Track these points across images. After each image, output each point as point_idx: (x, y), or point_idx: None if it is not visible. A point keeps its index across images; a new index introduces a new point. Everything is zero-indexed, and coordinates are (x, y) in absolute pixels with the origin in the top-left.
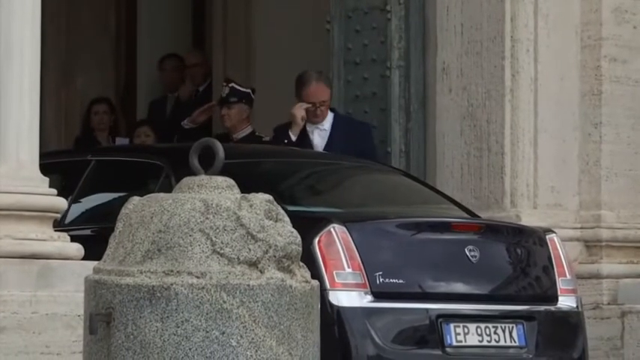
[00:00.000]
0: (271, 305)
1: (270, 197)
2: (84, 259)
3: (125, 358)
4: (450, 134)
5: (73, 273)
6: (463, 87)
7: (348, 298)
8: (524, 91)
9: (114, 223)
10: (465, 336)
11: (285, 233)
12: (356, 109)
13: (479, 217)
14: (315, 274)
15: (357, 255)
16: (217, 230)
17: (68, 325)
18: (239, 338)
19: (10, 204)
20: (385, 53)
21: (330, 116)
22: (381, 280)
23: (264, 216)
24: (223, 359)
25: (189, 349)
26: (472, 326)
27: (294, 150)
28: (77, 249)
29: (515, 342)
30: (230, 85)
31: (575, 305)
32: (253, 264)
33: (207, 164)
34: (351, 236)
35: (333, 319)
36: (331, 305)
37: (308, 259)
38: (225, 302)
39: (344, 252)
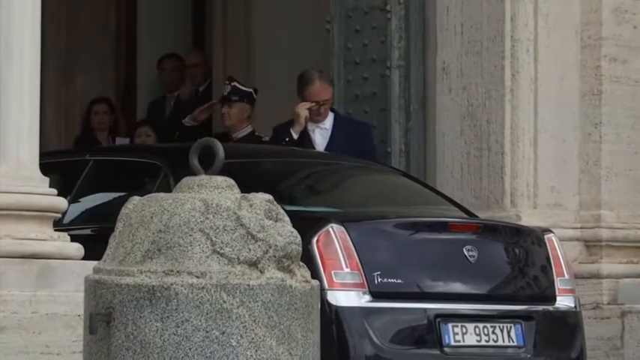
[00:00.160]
0: (271, 305)
1: (270, 197)
2: (83, 259)
3: (125, 358)
4: (450, 134)
5: (73, 273)
6: (463, 87)
7: (347, 297)
8: (524, 91)
9: (112, 222)
10: (463, 336)
11: (285, 233)
12: (356, 109)
13: (477, 217)
14: (313, 273)
15: (355, 255)
16: (217, 230)
17: (68, 325)
18: (239, 338)
19: (10, 204)
20: (385, 53)
21: (330, 116)
22: (379, 279)
23: (264, 216)
24: (223, 359)
25: (189, 349)
26: (470, 326)
27: (294, 150)
28: (77, 249)
29: (513, 342)
30: (232, 83)
31: (573, 305)
32: (253, 264)
33: (207, 164)
34: (350, 236)
35: (331, 319)
36: (329, 305)
37: (306, 258)
38: (225, 302)
39: (342, 252)
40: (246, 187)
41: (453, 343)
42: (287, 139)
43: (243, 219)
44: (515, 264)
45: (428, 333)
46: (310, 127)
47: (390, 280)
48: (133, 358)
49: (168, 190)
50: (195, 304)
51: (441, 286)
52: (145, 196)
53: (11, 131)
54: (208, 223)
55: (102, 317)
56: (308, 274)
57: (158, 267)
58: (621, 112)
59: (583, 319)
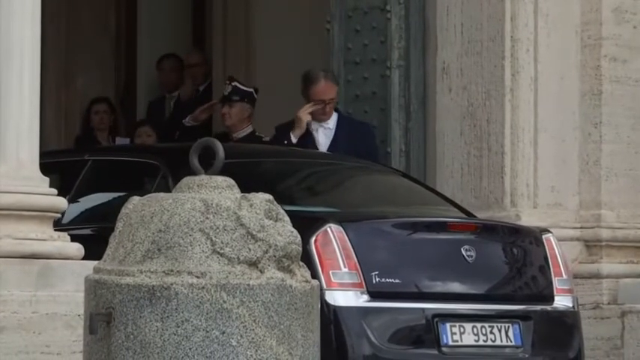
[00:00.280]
0: (271, 305)
1: (270, 197)
2: (83, 259)
3: (125, 357)
4: (450, 134)
5: (73, 273)
6: (463, 87)
7: (345, 297)
8: (524, 90)
9: (111, 222)
10: (461, 335)
11: (285, 233)
12: (356, 109)
13: (476, 217)
14: (312, 273)
15: (354, 255)
16: (217, 230)
17: (68, 325)
18: (239, 338)
19: (10, 204)
20: (385, 53)
21: (334, 116)
22: (377, 279)
23: (264, 216)
24: (223, 359)
25: (189, 348)
26: (468, 326)
27: (294, 150)
28: (77, 249)
29: (511, 342)
30: (233, 83)
31: (571, 305)
32: (253, 264)
33: (207, 164)
34: (348, 236)
35: (329, 319)
36: (327, 305)
37: (304, 258)
38: (225, 302)
39: (340, 252)
40: (246, 187)
41: (450, 342)
42: (285, 142)
43: (243, 219)
44: (514, 264)
45: (426, 333)
46: (314, 126)
47: (388, 280)
48: (133, 358)
49: (167, 190)
50: (195, 304)
51: (439, 286)
52: (145, 196)
53: (11, 131)
54: (208, 223)
55: (102, 317)
56: (308, 274)
57: (158, 267)
58: (621, 112)
59: (581, 319)
